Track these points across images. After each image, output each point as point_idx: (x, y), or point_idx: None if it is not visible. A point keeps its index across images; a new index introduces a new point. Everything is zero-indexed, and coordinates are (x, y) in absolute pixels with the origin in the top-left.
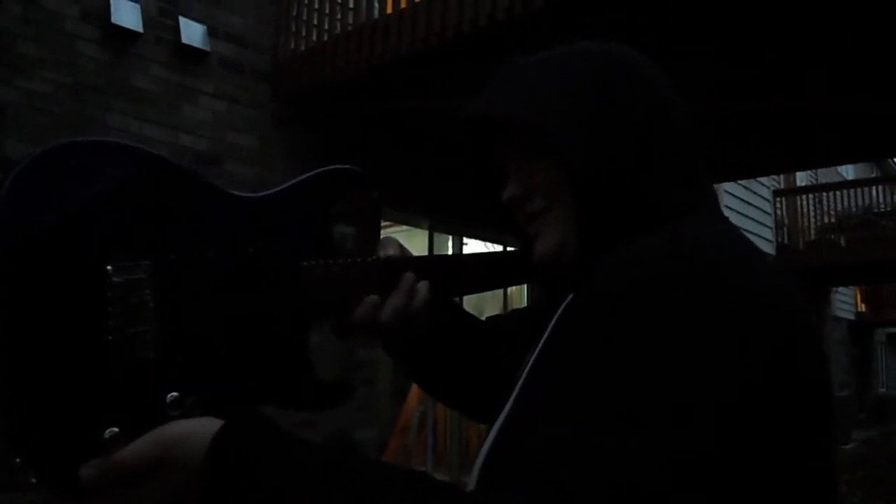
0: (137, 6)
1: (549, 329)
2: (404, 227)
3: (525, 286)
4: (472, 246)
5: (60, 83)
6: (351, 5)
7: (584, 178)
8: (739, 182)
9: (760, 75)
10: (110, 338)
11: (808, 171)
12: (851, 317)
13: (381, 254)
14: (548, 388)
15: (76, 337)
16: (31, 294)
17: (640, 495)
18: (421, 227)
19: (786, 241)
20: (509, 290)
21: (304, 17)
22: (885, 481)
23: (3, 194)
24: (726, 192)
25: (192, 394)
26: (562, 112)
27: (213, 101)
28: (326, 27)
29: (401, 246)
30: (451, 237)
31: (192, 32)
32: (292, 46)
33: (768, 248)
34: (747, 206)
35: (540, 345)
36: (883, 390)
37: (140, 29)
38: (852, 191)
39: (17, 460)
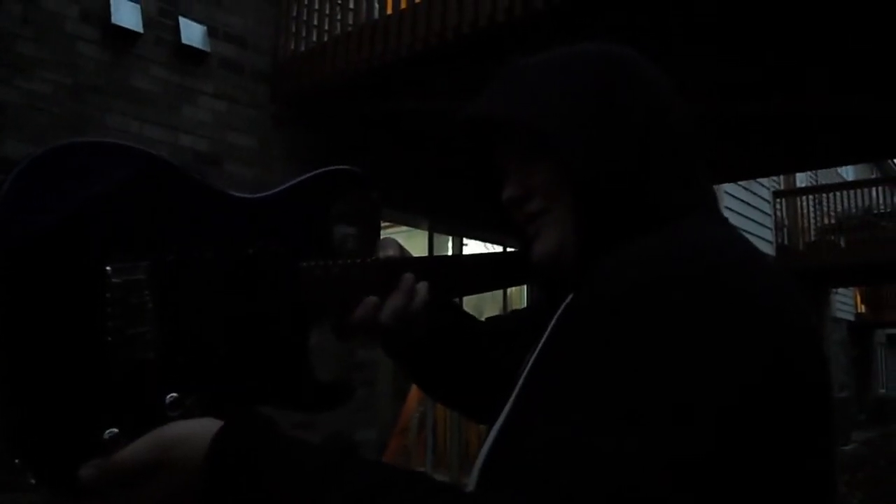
0: (137, 6)
1: (548, 330)
2: (404, 228)
3: (525, 287)
4: (472, 247)
5: (60, 83)
6: (351, 6)
7: (584, 179)
8: (739, 183)
9: (760, 76)
10: (110, 338)
11: (808, 172)
12: (851, 318)
13: (381, 255)
14: (547, 389)
15: (75, 338)
16: (31, 295)
17: (640, 497)
18: (421, 228)
19: (786, 242)
20: (509, 290)
21: (304, 18)
22: (884, 482)
23: (2, 195)
24: (726, 192)
25: (191, 394)
26: (562, 113)
27: (213, 101)
28: (326, 28)
29: (400, 247)
30: (450, 238)
31: (192, 33)
32: (292, 47)
33: (768, 249)
34: (747, 207)
35: (539, 345)
36: (883, 391)
37: (140, 29)
38: (852, 192)
39: (17, 461)
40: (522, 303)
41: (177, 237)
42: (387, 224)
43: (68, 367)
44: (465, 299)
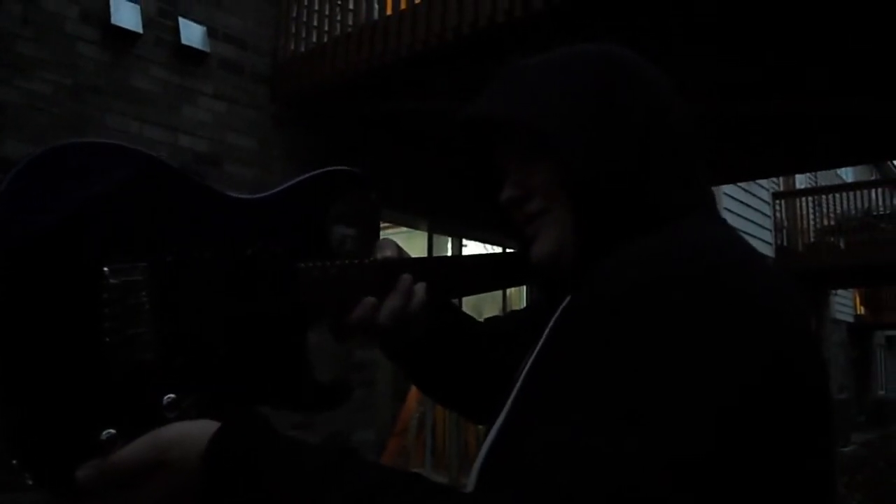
0: (137, 7)
1: (547, 330)
2: (403, 229)
3: (524, 287)
4: (472, 247)
5: (60, 84)
6: (351, 7)
7: (584, 179)
8: (739, 184)
9: (760, 77)
10: (107, 339)
11: (808, 174)
12: (851, 319)
13: (379, 255)
14: (546, 390)
15: (73, 338)
16: (29, 295)
17: (639, 497)
18: (420, 229)
19: (785, 243)
20: (508, 291)
21: (304, 19)
22: (883, 484)
23: (1, 195)
24: (726, 194)
25: (189, 395)
26: (561, 114)
27: (212, 102)
28: (326, 28)
29: (398, 247)
30: (450, 239)
31: (191, 33)
32: (292, 48)
33: (768, 251)
34: (747, 208)
35: (538, 346)
36: (882, 393)
37: (140, 30)
38: (851, 193)
39: (14, 462)
40: (522, 303)
41: (175, 238)
42: (386, 225)
43: (66, 368)
44: (465, 300)
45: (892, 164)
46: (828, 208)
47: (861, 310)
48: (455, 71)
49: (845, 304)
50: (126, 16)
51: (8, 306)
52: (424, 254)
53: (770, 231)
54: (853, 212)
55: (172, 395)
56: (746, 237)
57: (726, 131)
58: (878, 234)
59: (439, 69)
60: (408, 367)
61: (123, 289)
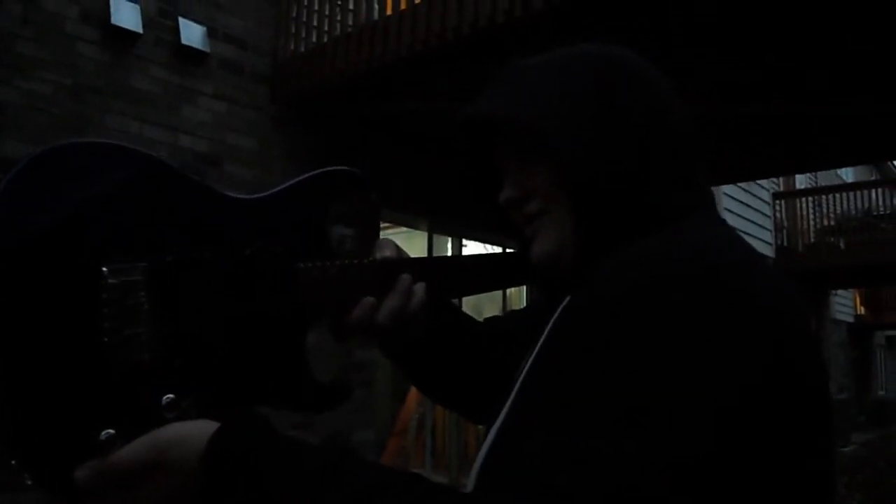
0: (137, 7)
1: (546, 330)
2: (403, 229)
3: (524, 287)
4: (472, 248)
5: (60, 84)
6: (350, 7)
7: (584, 180)
8: (739, 185)
9: (760, 78)
10: (106, 339)
11: (808, 174)
12: (851, 319)
13: (378, 255)
14: (546, 390)
15: (72, 338)
16: (27, 295)
17: (638, 497)
18: (420, 229)
19: (785, 243)
20: (508, 291)
21: (304, 19)
22: (884, 484)
23: (0, 195)
24: (726, 194)
25: (188, 395)
26: (561, 114)
27: (212, 102)
28: (326, 29)
29: (398, 247)
30: (450, 239)
31: (191, 33)
32: (292, 48)
33: (768, 251)
34: (747, 208)
35: (538, 346)
36: (882, 393)
37: (140, 30)
38: (852, 193)
39: (13, 462)
40: (522, 303)
41: (174, 238)
42: (386, 225)
43: (64, 368)
44: (465, 300)
45: (892, 164)
46: (828, 208)
47: (861, 310)
48: (455, 71)
49: (845, 305)
50: (126, 16)
51: (7, 306)
52: (424, 254)
53: (770, 231)
54: (853, 212)
55: (171, 396)
56: (746, 237)
57: (726, 131)
58: (879, 235)
59: (439, 69)
60: (407, 368)
61: (122, 289)
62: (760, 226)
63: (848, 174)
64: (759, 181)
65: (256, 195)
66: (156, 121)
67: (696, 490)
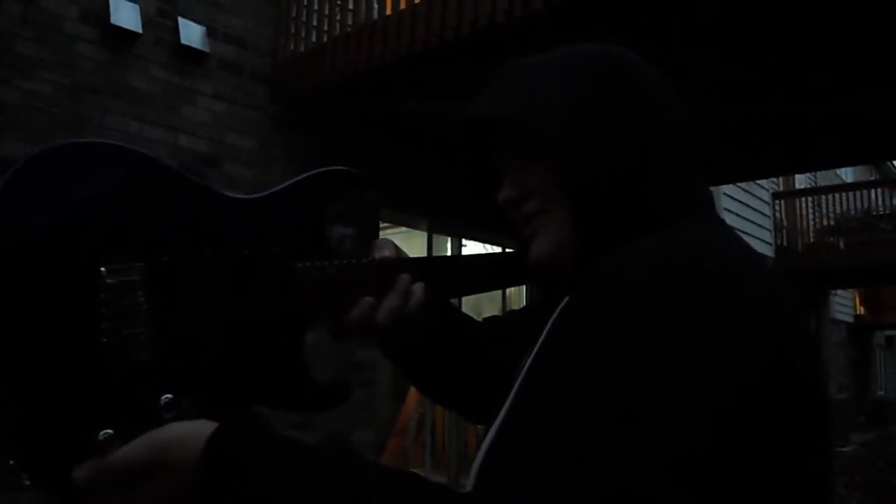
0: (136, 7)
1: (545, 330)
2: (403, 229)
3: (524, 287)
4: (471, 247)
5: (59, 84)
6: (350, 7)
7: (583, 179)
8: (738, 184)
9: (760, 77)
10: (104, 339)
11: (807, 174)
12: (850, 319)
13: (377, 255)
14: (545, 389)
15: (70, 338)
16: (25, 295)
17: (638, 497)
18: (420, 229)
19: (785, 243)
20: (508, 290)
21: (304, 19)
22: (883, 484)
23: None
24: (725, 194)
25: (186, 395)
26: (561, 114)
27: (212, 102)
28: (326, 28)
29: (396, 247)
30: (449, 239)
31: (191, 33)
32: (292, 48)
33: (767, 251)
34: (746, 208)
35: (537, 346)
36: (881, 393)
37: (139, 29)
38: (851, 193)
39: (11, 462)
40: (521, 303)
41: (172, 238)
42: (386, 225)
43: (63, 368)
44: (464, 299)
45: (892, 164)
46: (827, 208)
47: (860, 310)
48: (454, 71)
49: (845, 305)
50: (125, 15)
51: (5, 307)
52: (424, 254)
53: (770, 231)
54: (853, 212)
55: (170, 396)
56: (746, 237)
57: (726, 131)
58: (878, 234)
59: (439, 69)
60: (406, 367)
61: (120, 289)
62: (760, 226)
63: (847, 174)
64: (758, 181)
65: (255, 195)
66: (155, 121)
67: (696, 489)
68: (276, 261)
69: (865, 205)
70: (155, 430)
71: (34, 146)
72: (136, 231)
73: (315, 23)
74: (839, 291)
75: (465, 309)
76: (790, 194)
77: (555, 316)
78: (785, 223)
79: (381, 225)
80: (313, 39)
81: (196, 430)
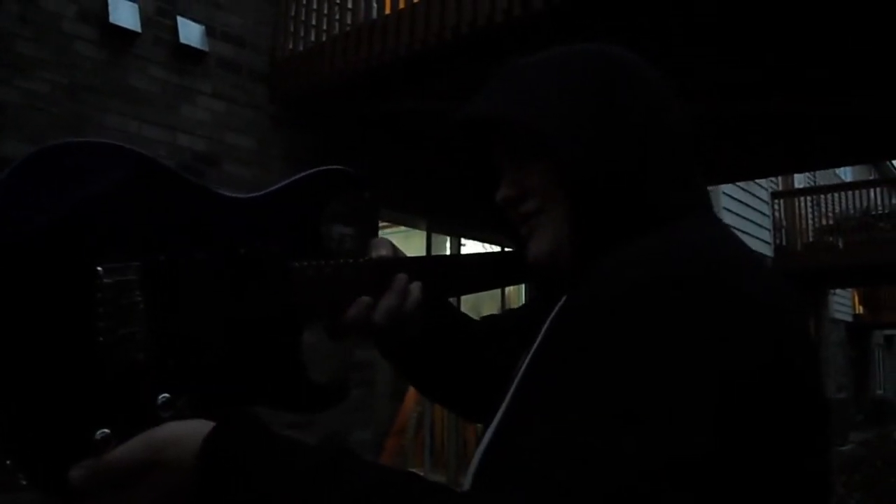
0: (135, 6)
1: (544, 329)
2: (402, 228)
3: (523, 286)
4: (470, 247)
5: (58, 83)
6: (349, 6)
7: (582, 179)
8: (737, 184)
9: (760, 77)
10: (101, 339)
11: (807, 174)
12: (849, 319)
13: (374, 254)
14: (544, 389)
15: (66, 338)
16: (22, 294)
17: (638, 496)
18: (419, 228)
19: (784, 243)
20: (507, 289)
21: (303, 18)
22: (881, 483)
23: None
24: (725, 193)
25: (183, 395)
26: (560, 113)
27: (211, 101)
28: (325, 28)
29: (393, 247)
30: (448, 238)
31: (190, 32)
32: (290, 47)
33: (766, 250)
34: (745, 207)
35: (535, 345)
36: (880, 392)
37: (138, 29)
38: (850, 193)
39: (8, 462)
40: (520, 302)
41: (169, 237)
42: (385, 224)
43: (59, 367)
44: (463, 298)
45: (891, 163)
46: (826, 208)
47: (860, 309)
48: (454, 71)
49: (844, 304)
50: (124, 15)
51: (1, 305)
52: (423, 253)
53: (769, 231)
54: (852, 211)
55: (167, 395)
56: (745, 237)
57: (726, 131)
58: (877, 234)
59: (438, 69)
60: (404, 367)
61: (117, 288)
62: (759, 225)
63: (846, 173)
64: (757, 180)
65: (252, 194)
66: (154, 120)
67: (695, 488)
68: (272, 260)
69: (864, 204)
70: (151, 430)
71: (34, 146)
72: (134, 230)
73: (314, 22)
74: (838, 291)
75: (464, 308)
76: (789, 194)
77: (553, 315)
78: (784, 223)
79: (380, 224)
80: (312, 39)
81: (193, 430)
